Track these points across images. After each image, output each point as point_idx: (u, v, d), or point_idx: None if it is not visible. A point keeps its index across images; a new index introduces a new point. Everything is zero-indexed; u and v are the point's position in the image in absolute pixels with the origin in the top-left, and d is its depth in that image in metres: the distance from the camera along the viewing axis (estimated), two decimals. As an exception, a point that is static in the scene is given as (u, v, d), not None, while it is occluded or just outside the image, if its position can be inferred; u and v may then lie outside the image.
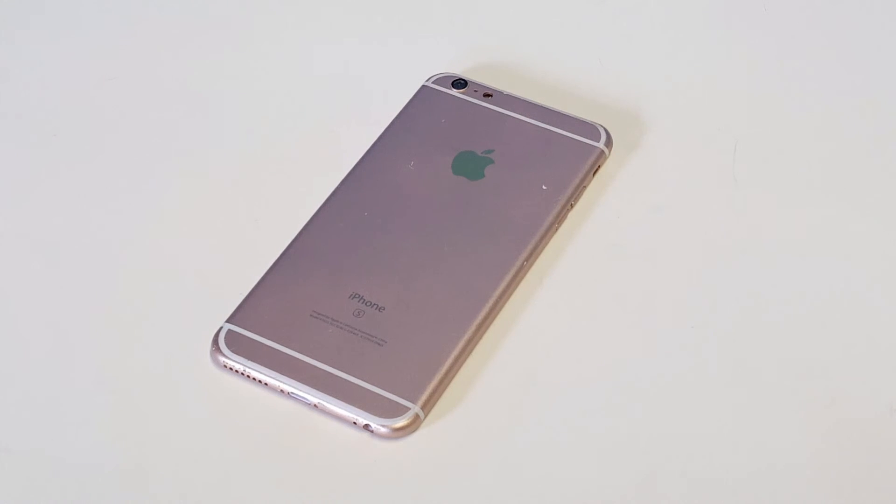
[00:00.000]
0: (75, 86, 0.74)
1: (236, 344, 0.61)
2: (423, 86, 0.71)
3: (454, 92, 0.71)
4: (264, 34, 0.76)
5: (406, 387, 0.60)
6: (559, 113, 0.70)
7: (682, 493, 0.58)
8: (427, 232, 0.65)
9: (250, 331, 0.61)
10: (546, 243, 0.65)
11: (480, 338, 0.62)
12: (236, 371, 0.61)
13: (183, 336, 0.62)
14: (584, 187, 0.68)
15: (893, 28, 0.77)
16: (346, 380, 0.60)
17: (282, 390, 0.60)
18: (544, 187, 0.67)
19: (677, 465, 0.59)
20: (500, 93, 0.71)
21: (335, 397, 0.59)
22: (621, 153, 0.70)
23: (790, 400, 0.60)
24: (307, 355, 0.61)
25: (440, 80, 0.71)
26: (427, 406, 0.60)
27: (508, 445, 0.59)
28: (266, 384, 0.60)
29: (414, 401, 0.59)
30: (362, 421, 0.59)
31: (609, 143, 0.69)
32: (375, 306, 0.62)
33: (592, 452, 0.59)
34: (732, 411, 0.60)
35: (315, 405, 0.60)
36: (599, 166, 0.68)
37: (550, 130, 0.69)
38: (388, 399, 0.59)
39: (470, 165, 0.68)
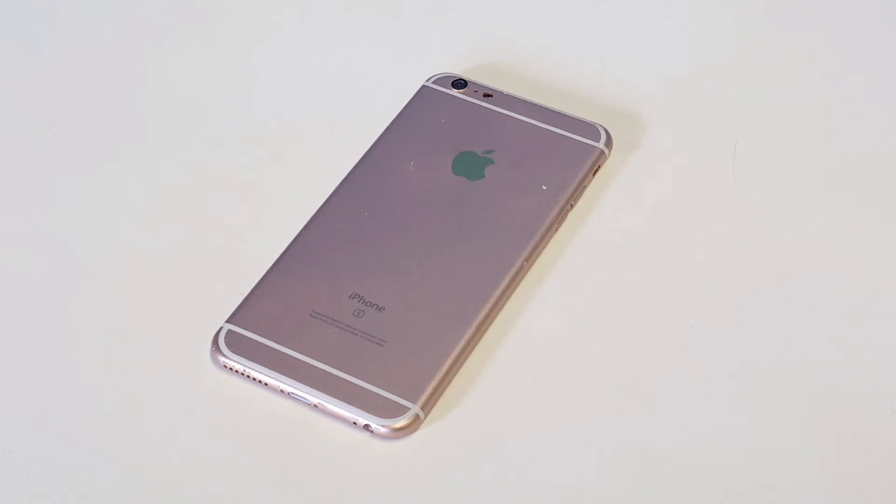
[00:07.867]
0: (75, 86, 0.74)
1: (236, 344, 0.61)
2: (423, 86, 0.71)
3: (454, 92, 0.71)
4: (264, 34, 0.76)
5: (406, 387, 0.59)
6: (559, 113, 0.70)
7: (682, 493, 0.58)
8: (427, 232, 0.65)
9: (250, 331, 0.61)
10: (546, 243, 0.65)
11: (480, 338, 0.62)
12: (236, 371, 0.61)
13: (183, 336, 0.62)
14: (584, 187, 0.68)
15: (893, 28, 0.77)
16: (345, 380, 0.60)
17: (282, 390, 0.60)
18: (544, 187, 0.67)
19: (677, 465, 0.59)
20: (500, 93, 0.71)
21: (335, 397, 0.59)
22: (621, 153, 0.70)
23: (790, 400, 0.60)
24: (307, 355, 0.61)
25: (440, 81, 0.71)
26: (427, 406, 0.60)
27: (508, 445, 0.59)
28: (266, 384, 0.60)
29: (414, 401, 0.59)
30: (362, 421, 0.59)
31: (609, 143, 0.69)
32: (375, 306, 0.62)
33: (592, 453, 0.59)
34: (732, 411, 0.60)
35: (315, 405, 0.60)
36: (599, 166, 0.68)
37: (550, 130, 0.69)
38: (387, 399, 0.59)
39: (470, 165, 0.68)
